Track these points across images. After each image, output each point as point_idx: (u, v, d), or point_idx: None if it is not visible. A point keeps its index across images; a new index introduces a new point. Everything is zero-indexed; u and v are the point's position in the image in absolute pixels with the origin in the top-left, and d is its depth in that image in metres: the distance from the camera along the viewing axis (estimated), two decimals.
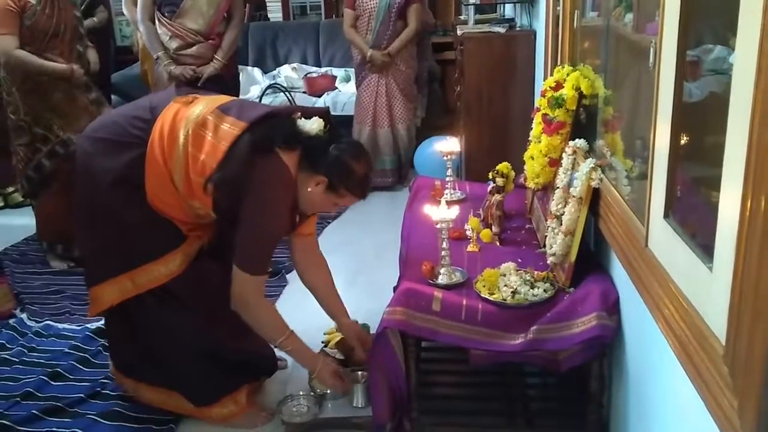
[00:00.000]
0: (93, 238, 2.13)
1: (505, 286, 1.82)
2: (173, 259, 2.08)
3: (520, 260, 1.99)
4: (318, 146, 1.96)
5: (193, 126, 1.95)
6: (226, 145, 1.91)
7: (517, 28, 3.71)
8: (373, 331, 2.34)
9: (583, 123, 2.09)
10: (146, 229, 2.04)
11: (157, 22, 3.66)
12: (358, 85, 4.68)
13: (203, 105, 2.01)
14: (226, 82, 3.71)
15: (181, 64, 3.66)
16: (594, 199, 1.80)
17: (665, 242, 1.29)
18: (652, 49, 1.35)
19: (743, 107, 0.90)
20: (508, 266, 1.91)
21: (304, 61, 6.03)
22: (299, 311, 2.50)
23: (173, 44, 3.65)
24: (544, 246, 2.01)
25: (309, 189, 1.97)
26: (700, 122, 1.24)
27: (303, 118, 2.02)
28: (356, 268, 3.44)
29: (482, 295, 1.82)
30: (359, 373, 2.31)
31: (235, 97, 2.19)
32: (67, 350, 2.70)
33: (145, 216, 2.02)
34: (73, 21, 3.38)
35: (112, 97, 5.15)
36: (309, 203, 2.03)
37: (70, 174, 3.35)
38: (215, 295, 2.18)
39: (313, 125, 1.98)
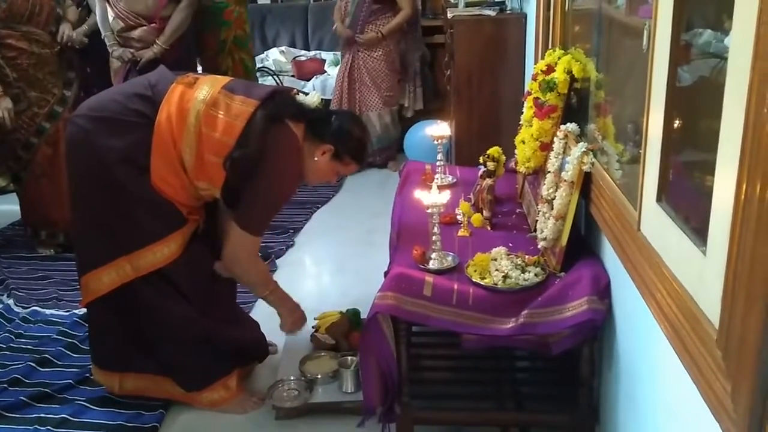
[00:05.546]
0: (91, 221, 2.10)
1: (496, 270, 1.82)
2: (175, 240, 2.07)
3: (510, 245, 1.99)
4: (321, 117, 2.12)
5: (204, 106, 1.99)
6: (242, 123, 1.99)
7: (508, 11, 3.69)
8: (363, 316, 2.34)
9: (575, 107, 2.08)
10: (150, 208, 2.03)
11: (107, 2, 3.57)
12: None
13: (209, 85, 2.05)
14: (168, 67, 3.63)
15: (126, 46, 3.56)
16: (585, 183, 1.80)
17: (658, 226, 1.29)
18: (645, 32, 1.34)
19: (739, 91, 0.89)
20: (499, 251, 1.90)
21: (293, 45, 5.97)
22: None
23: (116, 26, 3.56)
24: (535, 230, 2.01)
25: (315, 158, 2.10)
26: (693, 106, 1.24)
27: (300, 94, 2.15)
28: (346, 254, 3.43)
29: (473, 280, 1.81)
30: (349, 358, 2.31)
31: (233, 78, 2.20)
32: (54, 336, 2.68)
33: (149, 196, 2.02)
34: (50, 3, 3.39)
35: None
36: (314, 173, 2.14)
37: (52, 159, 3.36)
38: (208, 281, 2.18)
39: (312, 99, 2.12)
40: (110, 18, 3.57)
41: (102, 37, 3.61)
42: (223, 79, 2.12)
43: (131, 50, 3.55)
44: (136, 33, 3.54)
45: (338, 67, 5.02)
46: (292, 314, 2.32)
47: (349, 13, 4.49)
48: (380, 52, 4.52)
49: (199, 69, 3.98)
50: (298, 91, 2.18)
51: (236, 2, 4.08)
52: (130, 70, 3.52)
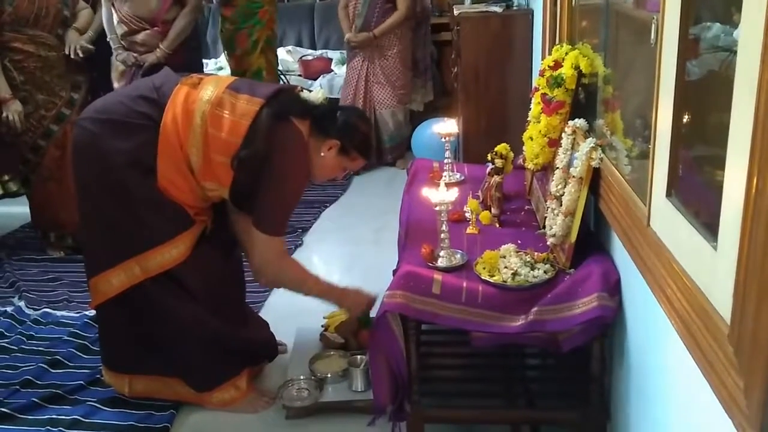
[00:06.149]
0: (99, 223, 2.10)
1: (506, 267, 1.81)
2: (184, 241, 2.08)
3: (519, 242, 1.98)
4: (326, 113, 2.12)
5: (209, 107, 2.00)
6: (247, 122, 1.99)
7: (514, 8, 3.69)
8: (373, 314, 2.33)
9: (583, 102, 2.07)
10: (158, 210, 2.04)
11: (111, 5, 3.56)
12: (347, 67, 4.74)
13: (213, 86, 2.05)
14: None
15: (130, 50, 3.55)
16: (594, 179, 1.79)
17: (668, 221, 1.28)
18: (653, 26, 1.33)
19: (749, 84, 0.88)
20: (508, 248, 1.90)
21: (299, 44, 5.98)
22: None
23: (120, 30, 3.55)
24: (544, 227, 2.00)
25: (322, 154, 2.10)
26: (702, 100, 1.23)
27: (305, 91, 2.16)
28: (355, 252, 3.43)
29: (482, 277, 1.80)
30: (359, 356, 2.31)
31: (236, 77, 2.21)
32: (66, 338, 2.69)
33: (156, 198, 2.02)
34: (56, 5, 3.38)
35: None
36: (321, 169, 2.14)
37: (60, 161, 3.37)
38: (217, 282, 2.19)
39: (317, 95, 2.13)
40: (114, 21, 3.57)
41: (107, 40, 3.62)
42: (228, 79, 2.13)
43: (135, 54, 3.55)
44: (140, 37, 3.54)
45: (345, 66, 5.03)
46: (346, 301, 2.31)
47: (360, 14, 4.47)
48: (394, 50, 4.53)
49: (209, 67, 3.97)
50: (302, 89, 2.19)
51: (269, 2, 4.08)
52: (135, 73, 3.52)
